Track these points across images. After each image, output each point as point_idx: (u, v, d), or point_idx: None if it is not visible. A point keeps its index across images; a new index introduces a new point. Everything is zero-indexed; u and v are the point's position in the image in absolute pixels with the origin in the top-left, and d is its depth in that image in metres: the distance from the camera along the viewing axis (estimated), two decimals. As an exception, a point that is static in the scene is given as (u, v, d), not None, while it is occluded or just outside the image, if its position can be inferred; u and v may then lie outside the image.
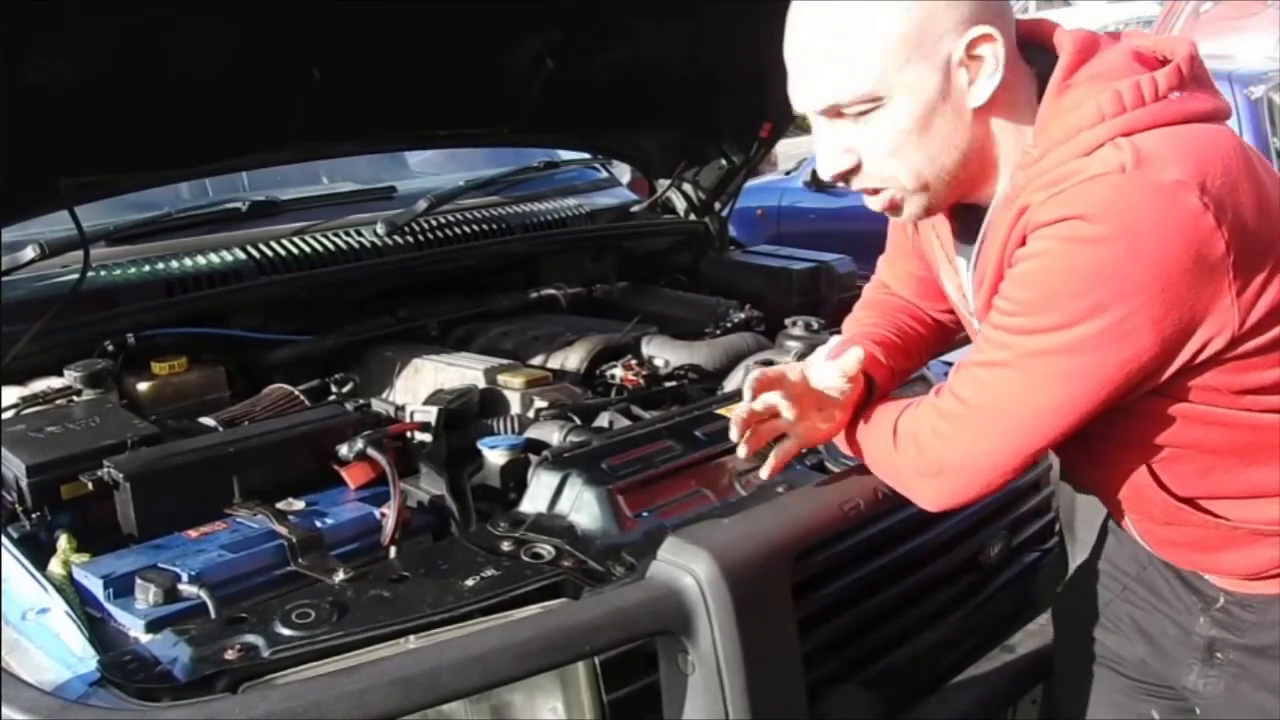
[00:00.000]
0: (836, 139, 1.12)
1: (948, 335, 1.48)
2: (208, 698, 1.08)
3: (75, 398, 1.72)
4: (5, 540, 1.32)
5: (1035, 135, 1.08)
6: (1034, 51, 1.12)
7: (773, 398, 1.26)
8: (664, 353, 2.09)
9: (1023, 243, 1.06)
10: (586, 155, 2.91)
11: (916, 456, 1.19)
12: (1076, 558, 1.76)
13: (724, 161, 2.76)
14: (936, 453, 1.17)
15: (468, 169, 2.75)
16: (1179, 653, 1.30)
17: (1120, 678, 1.39)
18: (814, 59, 1.09)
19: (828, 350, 1.37)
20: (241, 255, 2.12)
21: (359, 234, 2.27)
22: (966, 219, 1.21)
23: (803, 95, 1.11)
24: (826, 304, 2.49)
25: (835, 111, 1.10)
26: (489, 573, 1.29)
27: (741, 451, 1.30)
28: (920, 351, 1.46)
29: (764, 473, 1.36)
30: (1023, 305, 1.05)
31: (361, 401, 1.80)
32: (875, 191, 1.15)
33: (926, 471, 1.19)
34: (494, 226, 2.45)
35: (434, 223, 2.37)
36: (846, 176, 1.14)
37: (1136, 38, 1.13)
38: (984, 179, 1.14)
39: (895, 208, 1.16)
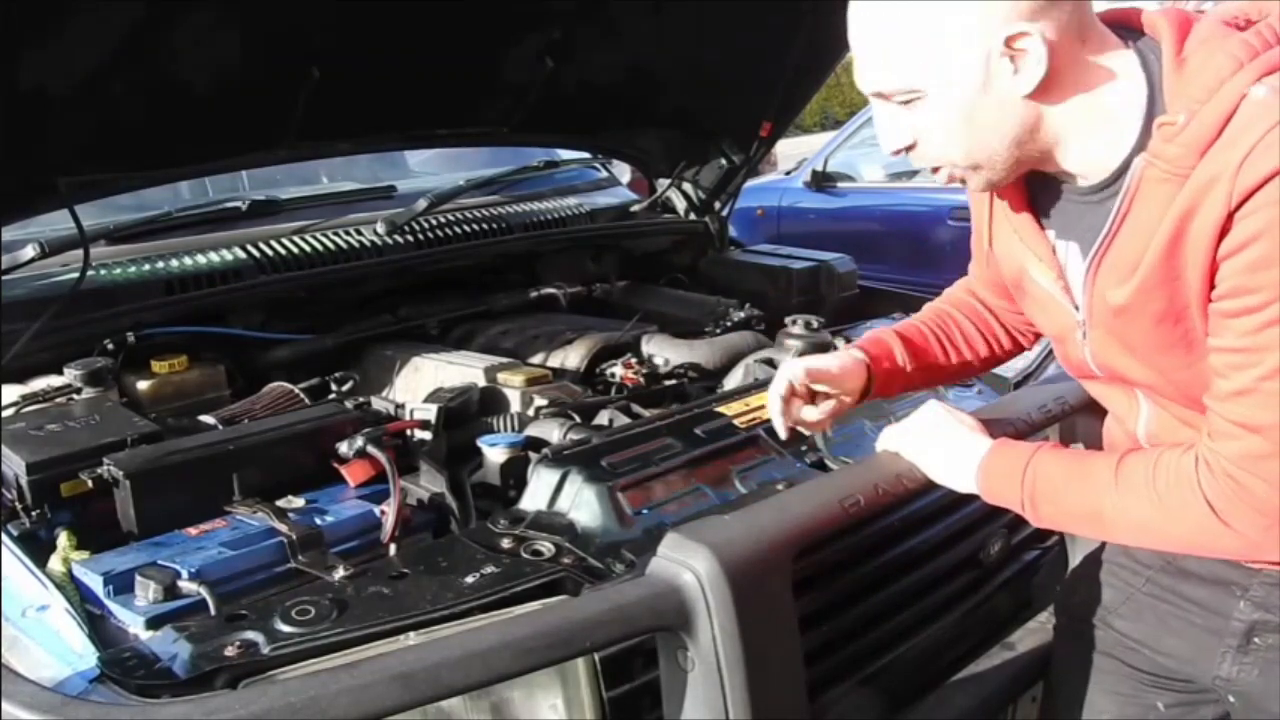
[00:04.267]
0: (893, 119, 1.15)
1: (1006, 350, 1.52)
2: (207, 694, 1.08)
3: (75, 396, 1.72)
4: (5, 538, 1.32)
5: (1169, 106, 1.06)
6: (1129, 34, 1.13)
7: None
8: (664, 351, 2.10)
9: (1227, 220, 1.01)
10: (586, 155, 2.92)
11: (1248, 515, 1.07)
12: (1076, 555, 1.76)
13: (724, 161, 2.76)
14: (1272, 500, 1.05)
15: (468, 169, 2.75)
16: (1210, 643, 1.28)
17: (1127, 668, 1.39)
18: (863, 49, 1.13)
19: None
20: (241, 254, 2.13)
21: (359, 233, 2.28)
22: (1066, 210, 1.20)
23: (859, 79, 1.15)
24: (826, 303, 2.49)
25: (885, 97, 1.14)
26: (489, 570, 1.29)
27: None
28: (959, 354, 1.50)
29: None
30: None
31: (361, 400, 1.80)
32: (935, 168, 1.18)
33: (1271, 524, 1.07)
34: (494, 226, 2.46)
35: (434, 222, 2.37)
36: (908, 153, 1.17)
37: (1218, 11, 1.13)
38: (1059, 152, 1.13)
39: (960, 180, 1.18)
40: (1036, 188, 1.24)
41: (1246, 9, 1.10)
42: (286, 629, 1.17)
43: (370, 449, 1.54)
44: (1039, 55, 1.05)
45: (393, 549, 1.41)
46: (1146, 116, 1.09)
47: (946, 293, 1.58)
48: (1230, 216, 1.01)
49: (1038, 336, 1.51)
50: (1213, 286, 1.06)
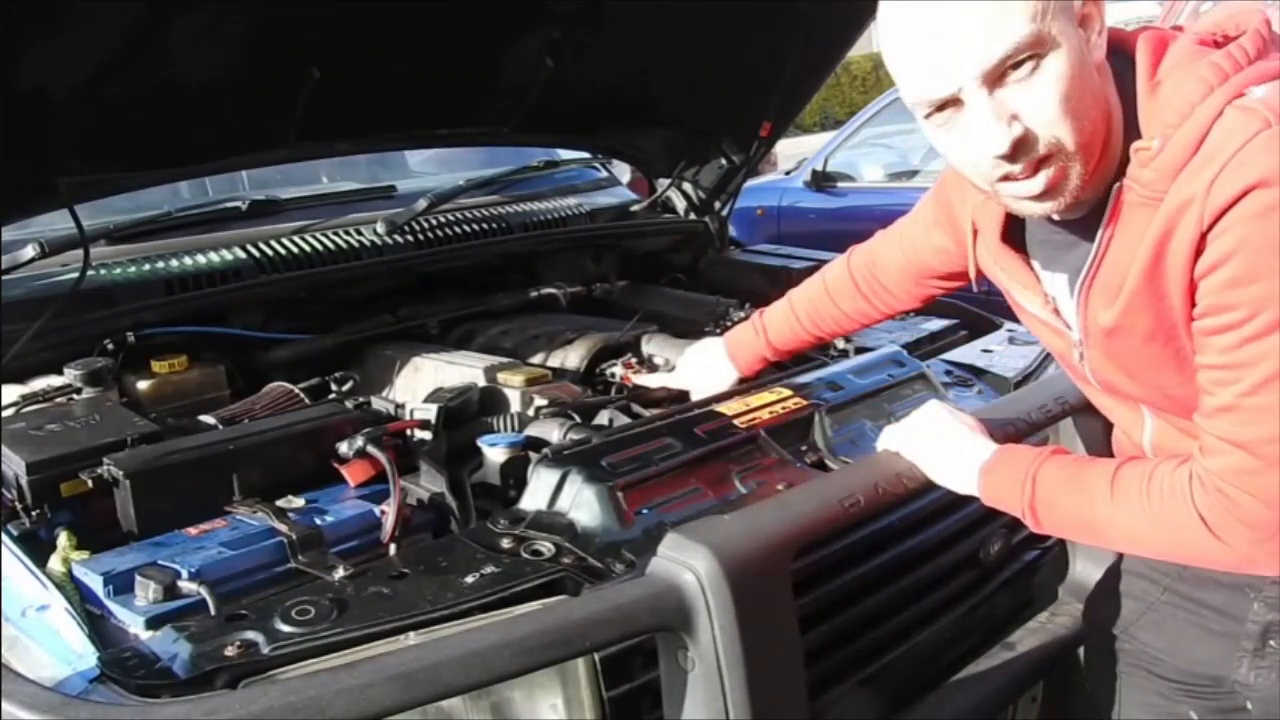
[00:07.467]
0: (997, 109, 1.04)
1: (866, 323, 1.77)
2: (207, 694, 1.08)
3: (75, 396, 1.72)
4: (5, 538, 1.32)
5: (1144, 131, 1.07)
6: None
7: None
8: (664, 351, 2.09)
9: (1200, 240, 1.02)
10: (586, 154, 2.92)
11: (1238, 530, 1.08)
12: (1077, 556, 1.76)
13: (724, 161, 2.76)
14: (1261, 515, 1.06)
15: (468, 169, 2.75)
16: (1228, 648, 1.28)
17: (1156, 679, 1.37)
18: (965, 23, 1.02)
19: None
20: (241, 254, 2.12)
21: (359, 233, 2.28)
22: (1051, 241, 1.21)
23: (960, 65, 1.03)
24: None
25: (999, 73, 1.03)
26: (489, 570, 1.29)
27: None
28: (829, 335, 1.81)
29: None
30: (1259, 300, 1.00)
31: (361, 399, 1.80)
32: (1038, 166, 1.07)
33: (1262, 539, 1.08)
34: (494, 225, 2.46)
35: (434, 222, 2.37)
36: (1015, 152, 1.06)
37: (1199, 25, 1.14)
38: (1103, 157, 1.10)
39: (1058, 182, 1.08)
40: (1017, 221, 1.25)
41: (1225, 24, 1.11)
42: (286, 629, 1.17)
43: (370, 449, 1.53)
44: (1102, 21, 1.07)
45: (393, 549, 1.41)
46: (1124, 140, 1.10)
47: (836, 272, 1.74)
48: (1204, 236, 1.03)
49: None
50: (1194, 305, 1.07)
